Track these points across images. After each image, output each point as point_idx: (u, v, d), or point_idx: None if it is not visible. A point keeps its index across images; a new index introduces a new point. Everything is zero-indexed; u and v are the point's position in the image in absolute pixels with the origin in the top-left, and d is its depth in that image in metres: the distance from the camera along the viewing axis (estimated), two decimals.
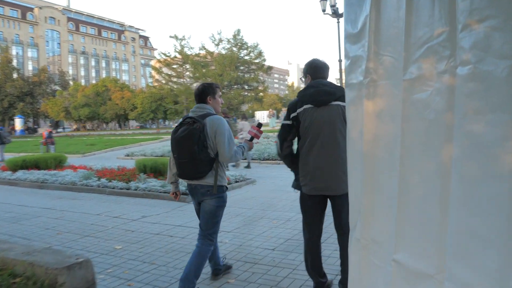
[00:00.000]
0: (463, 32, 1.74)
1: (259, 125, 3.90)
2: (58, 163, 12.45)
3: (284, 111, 34.57)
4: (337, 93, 3.25)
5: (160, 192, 8.17)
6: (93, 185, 9.28)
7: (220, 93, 3.66)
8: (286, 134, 3.32)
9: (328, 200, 3.39)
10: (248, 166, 12.76)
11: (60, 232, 5.87)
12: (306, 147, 3.24)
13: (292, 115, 3.26)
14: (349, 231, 2.62)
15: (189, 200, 7.59)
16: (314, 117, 3.20)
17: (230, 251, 4.68)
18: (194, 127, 3.26)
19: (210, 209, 3.43)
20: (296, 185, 3.39)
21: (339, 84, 4.59)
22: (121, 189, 8.80)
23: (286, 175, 10.86)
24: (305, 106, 3.23)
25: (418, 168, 2.02)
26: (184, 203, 7.52)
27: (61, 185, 9.83)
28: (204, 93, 3.51)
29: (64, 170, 11.59)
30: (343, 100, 3.31)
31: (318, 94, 3.22)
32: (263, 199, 7.57)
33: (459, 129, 1.77)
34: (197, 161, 3.26)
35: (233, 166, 12.36)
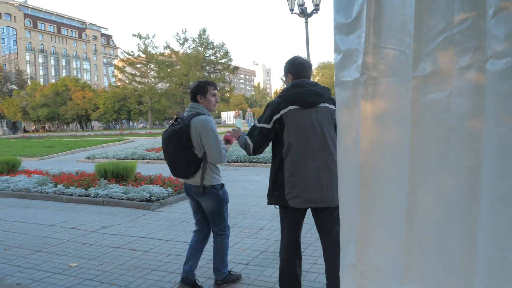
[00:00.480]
0: (496, 18, 1.40)
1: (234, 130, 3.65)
2: (11, 168, 11.55)
3: (250, 112, 33.99)
4: (325, 94, 2.94)
5: (122, 199, 7.60)
6: (49, 192, 8.57)
7: (214, 92, 3.52)
8: (263, 139, 2.95)
9: (311, 212, 3.04)
10: None
11: (8, 247, 5.24)
12: (293, 154, 2.87)
13: (275, 117, 2.89)
14: (341, 251, 2.27)
15: (154, 207, 7.11)
16: (301, 120, 2.86)
17: (199, 266, 4.22)
18: (176, 128, 3.33)
19: (210, 209, 3.53)
20: (276, 200, 3.00)
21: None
22: (80, 196, 8.15)
23: (256, 178, 10.50)
24: (290, 107, 2.87)
25: (433, 185, 1.68)
26: (147, 211, 7.01)
27: (13, 192, 9.04)
28: (194, 92, 3.48)
29: (17, 175, 10.74)
30: (331, 102, 2.97)
31: (306, 94, 2.88)
32: (233, 206, 7.14)
33: (490, 138, 1.43)
34: (180, 161, 3.36)
35: None
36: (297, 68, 3.02)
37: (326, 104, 2.92)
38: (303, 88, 2.90)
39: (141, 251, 4.85)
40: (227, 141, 3.59)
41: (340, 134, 2.28)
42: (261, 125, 2.94)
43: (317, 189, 2.84)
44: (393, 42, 1.90)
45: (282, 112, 2.88)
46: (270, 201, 3.05)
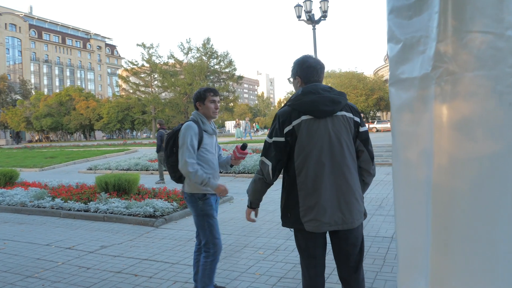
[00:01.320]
0: None
1: (244, 146, 3.32)
2: (9, 180, 11.08)
3: (246, 121, 33.26)
4: (342, 101, 2.48)
5: (124, 214, 7.09)
6: (46, 207, 8.07)
7: (214, 98, 3.40)
8: (279, 154, 2.46)
9: (328, 235, 2.58)
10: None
11: None
12: (308, 171, 2.41)
13: (287, 129, 2.43)
14: None
15: (158, 224, 6.60)
16: (315, 132, 2.41)
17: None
18: (167, 133, 3.39)
19: (193, 219, 3.46)
20: (291, 222, 2.51)
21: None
22: (78, 211, 7.65)
23: None
24: (303, 117, 2.42)
25: None
26: (151, 228, 6.49)
27: (8, 207, 8.54)
28: (194, 100, 3.45)
29: (14, 187, 10.26)
30: (348, 110, 2.51)
31: (321, 102, 2.42)
32: (244, 222, 6.62)
33: None
34: (168, 165, 3.40)
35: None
36: (306, 71, 2.56)
37: (343, 112, 2.47)
38: (317, 95, 2.44)
39: (144, 276, 4.33)
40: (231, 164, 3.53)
41: (399, 147, 1.77)
42: (274, 139, 2.47)
43: (336, 210, 2.40)
44: (484, 23, 1.41)
45: (294, 123, 2.42)
46: (285, 223, 2.58)
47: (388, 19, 1.83)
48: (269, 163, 2.48)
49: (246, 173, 12.88)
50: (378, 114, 57.18)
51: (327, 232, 2.53)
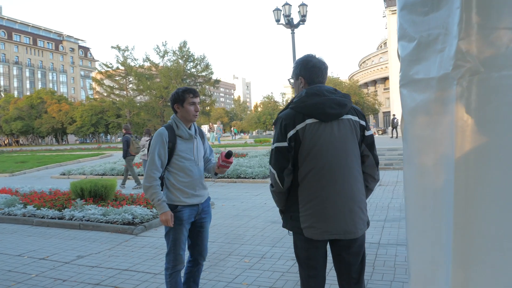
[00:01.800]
0: None
1: (229, 154, 3.06)
2: None
3: (219, 125, 32.85)
4: (348, 103, 2.36)
5: (101, 222, 6.79)
6: (17, 214, 7.67)
7: (193, 100, 3.11)
8: (284, 161, 2.32)
9: (329, 245, 2.46)
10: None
11: None
12: (311, 177, 2.29)
13: (290, 133, 2.30)
14: None
15: (137, 231, 6.36)
16: (321, 136, 2.28)
17: None
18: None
19: None
20: (291, 225, 2.39)
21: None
22: (52, 218, 7.29)
23: (246, 195, 9.84)
24: (307, 121, 2.29)
25: None
26: (130, 236, 6.24)
27: None
28: (171, 101, 3.15)
29: None
30: (353, 113, 2.39)
31: (327, 105, 2.30)
32: (227, 229, 6.45)
33: None
34: None
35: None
36: (310, 71, 2.43)
37: (349, 116, 2.36)
38: (323, 97, 2.32)
39: None
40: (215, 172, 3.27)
41: (412, 152, 1.66)
42: (276, 144, 2.34)
43: (338, 219, 2.28)
44: None
45: (298, 127, 2.29)
46: (285, 224, 2.47)
47: (400, 16, 1.72)
48: (274, 172, 2.36)
49: (225, 178, 12.68)
50: None
51: (328, 242, 2.40)
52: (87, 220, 6.92)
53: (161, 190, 3.08)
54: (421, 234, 1.65)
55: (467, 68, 1.39)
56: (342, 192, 2.27)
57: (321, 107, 2.28)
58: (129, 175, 12.40)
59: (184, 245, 3.14)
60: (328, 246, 2.43)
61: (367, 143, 2.40)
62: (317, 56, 2.49)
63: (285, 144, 2.30)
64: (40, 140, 67.56)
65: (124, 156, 11.84)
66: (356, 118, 2.37)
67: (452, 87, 1.42)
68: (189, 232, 3.19)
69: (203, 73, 54.34)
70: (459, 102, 1.40)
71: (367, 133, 2.40)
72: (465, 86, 1.39)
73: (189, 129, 3.15)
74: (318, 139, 2.27)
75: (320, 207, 2.26)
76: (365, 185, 2.42)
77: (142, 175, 12.46)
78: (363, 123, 2.39)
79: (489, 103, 1.36)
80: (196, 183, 3.13)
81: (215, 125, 34.11)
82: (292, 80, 2.55)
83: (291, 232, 2.46)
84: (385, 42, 67.15)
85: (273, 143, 2.38)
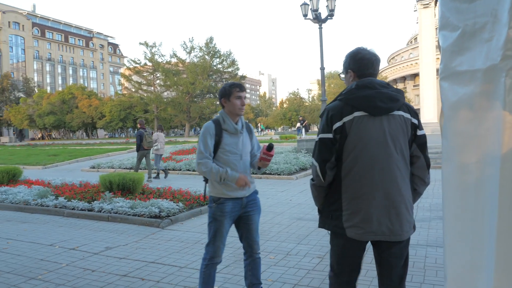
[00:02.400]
0: None
1: (270, 147, 3.04)
2: (12, 177, 10.90)
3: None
4: (400, 99, 2.24)
5: (129, 214, 6.90)
6: (49, 205, 7.89)
7: (240, 94, 3.14)
8: (327, 153, 2.24)
9: (371, 246, 2.38)
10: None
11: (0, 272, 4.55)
12: (356, 173, 2.19)
13: (336, 125, 2.20)
14: None
15: (164, 225, 6.42)
16: (369, 130, 2.17)
17: None
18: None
19: None
20: (332, 224, 2.30)
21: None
22: (82, 210, 7.47)
23: (271, 191, 9.78)
24: (355, 114, 2.19)
25: None
26: (157, 229, 6.31)
27: (11, 205, 8.36)
28: (219, 96, 3.22)
29: (17, 185, 10.09)
30: (405, 110, 2.27)
31: (378, 98, 2.19)
32: None
33: None
34: None
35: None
36: (360, 64, 2.33)
37: (401, 112, 2.24)
38: (373, 90, 2.22)
39: (151, 280, 4.15)
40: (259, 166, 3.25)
41: (453, 149, 1.58)
42: (321, 135, 2.26)
43: (384, 219, 2.17)
44: None
45: (345, 119, 2.20)
46: (323, 224, 2.36)
47: (442, 4, 1.63)
48: (316, 164, 2.28)
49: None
50: None
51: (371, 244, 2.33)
52: (115, 213, 7.04)
53: (206, 183, 3.22)
54: (460, 236, 1.57)
55: None
56: (389, 191, 2.17)
57: (372, 99, 2.19)
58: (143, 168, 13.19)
59: (225, 238, 3.17)
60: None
61: (419, 143, 2.27)
62: (368, 49, 2.38)
63: (330, 135, 2.22)
64: (71, 134, 69.37)
65: (138, 150, 12.37)
66: (408, 116, 2.25)
67: (500, 79, 1.34)
68: (237, 225, 3.26)
69: (229, 69, 54.61)
70: (508, 96, 1.32)
71: (419, 132, 2.27)
72: None
73: (236, 123, 3.17)
74: (366, 133, 2.17)
75: (364, 206, 2.17)
76: (413, 188, 2.30)
77: (154, 169, 13.24)
78: (415, 121, 2.27)
79: None
80: None
81: None
82: (342, 76, 2.46)
83: (329, 232, 2.38)
84: (416, 38, 65.54)
85: (317, 135, 2.31)
